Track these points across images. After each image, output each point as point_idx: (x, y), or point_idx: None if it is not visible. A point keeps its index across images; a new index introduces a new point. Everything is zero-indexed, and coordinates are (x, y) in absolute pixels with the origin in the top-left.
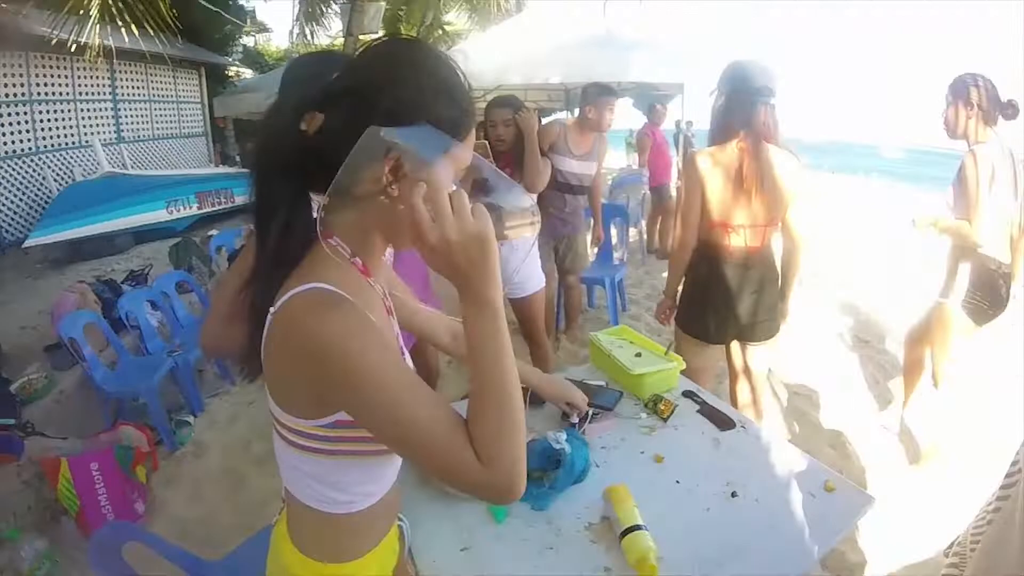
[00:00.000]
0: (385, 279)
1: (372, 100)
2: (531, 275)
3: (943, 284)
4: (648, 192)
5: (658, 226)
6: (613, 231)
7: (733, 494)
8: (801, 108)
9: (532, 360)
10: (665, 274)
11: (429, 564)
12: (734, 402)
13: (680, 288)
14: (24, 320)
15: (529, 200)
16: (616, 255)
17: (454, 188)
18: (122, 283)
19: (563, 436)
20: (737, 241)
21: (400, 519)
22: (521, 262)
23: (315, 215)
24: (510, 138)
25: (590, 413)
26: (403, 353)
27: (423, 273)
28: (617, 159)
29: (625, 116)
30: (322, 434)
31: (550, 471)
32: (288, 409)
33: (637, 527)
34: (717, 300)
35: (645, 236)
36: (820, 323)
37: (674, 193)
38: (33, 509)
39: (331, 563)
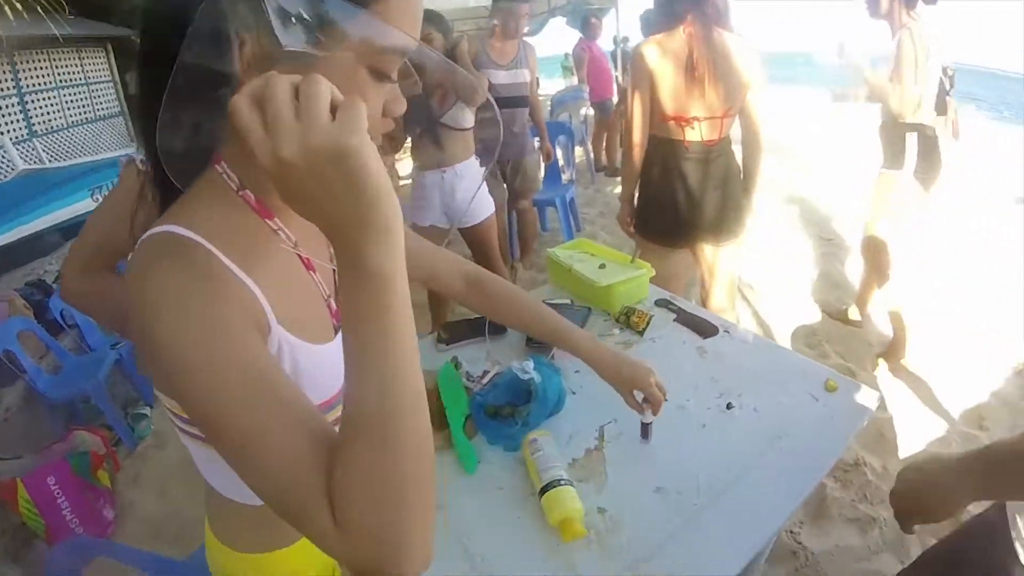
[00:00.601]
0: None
1: None
2: (479, 200)
3: (887, 156)
4: (590, 109)
5: (604, 143)
6: (559, 150)
7: (728, 406)
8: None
9: None
10: (617, 191)
11: None
12: (706, 308)
13: (636, 193)
14: None
15: (471, 117)
16: (564, 175)
17: (310, 76)
18: (53, 283)
19: (531, 364)
20: (693, 135)
21: None
22: (474, 191)
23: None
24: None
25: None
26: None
27: None
28: (556, 85)
29: (559, 38)
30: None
31: (520, 406)
32: (157, 384)
33: (558, 482)
34: (678, 201)
35: (592, 155)
36: (783, 225)
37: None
38: (1, 538)
39: (252, 553)
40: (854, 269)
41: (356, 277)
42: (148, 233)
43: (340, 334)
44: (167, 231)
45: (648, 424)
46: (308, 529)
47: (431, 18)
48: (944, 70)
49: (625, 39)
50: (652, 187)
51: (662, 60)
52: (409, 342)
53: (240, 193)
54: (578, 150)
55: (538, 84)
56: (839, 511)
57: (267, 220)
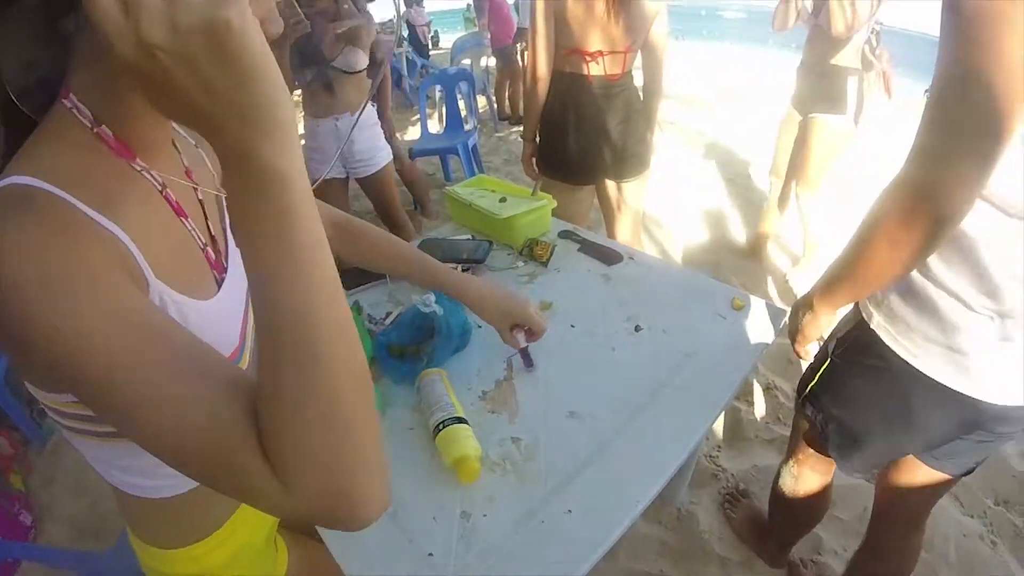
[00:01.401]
0: (200, 174)
1: None
2: (376, 147)
3: (825, 101)
4: (492, 58)
5: (507, 91)
6: (460, 99)
7: (637, 328)
8: None
9: None
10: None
11: None
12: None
13: (538, 130)
14: None
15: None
16: (467, 124)
17: None
18: None
19: (431, 298)
20: (596, 70)
21: None
22: (374, 137)
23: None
24: None
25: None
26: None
27: None
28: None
29: None
30: (74, 411)
31: (425, 342)
32: (30, 377)
33: (455, 419)
34: (581, 136)
35: (495, 103)
36: (685, 163)
37: (519, 57)
38: None
39: (177, 548)
40: (756, 204)
41: (245, 180)
42: None
43: (225, 286)
44: (10, 184)
45: (526, 349)
46: (248, 495)
47: None
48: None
49: None
50: (555, 124)
51: None
52: (320, 248)
53: (96, 130)
54: (480, 99)
55: (437, 36)
56: (755, 433)
57: (129, 161)
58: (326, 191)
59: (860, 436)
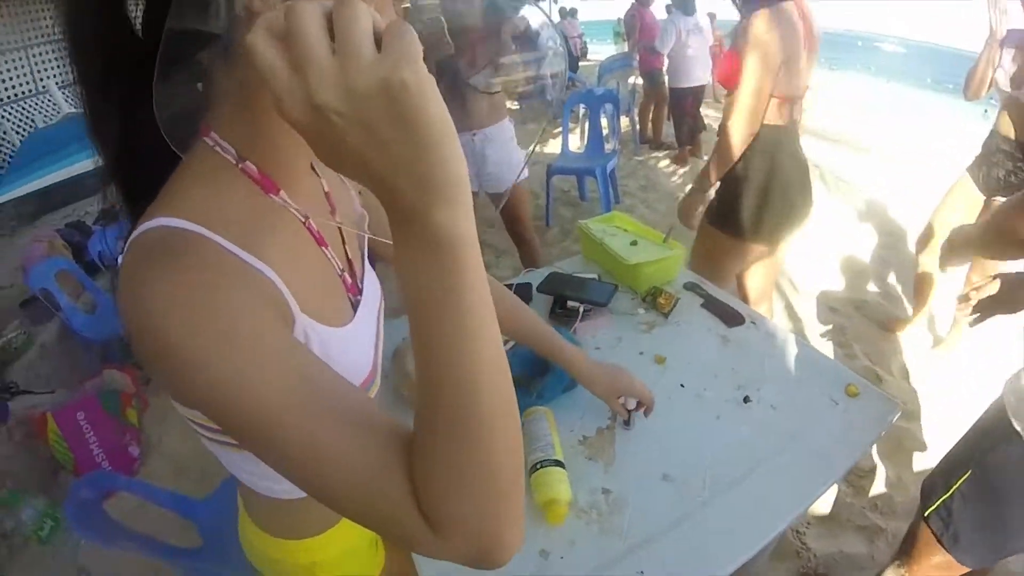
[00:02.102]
0: (339, 195)
1: None
2: (509, 163)
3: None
4: (638, 78)
5: (651, 114)
6: (603, 119)
7: (746, 399)
8: None
9: (520, 261)
10: (662, 164)
11: None
12: (744, 297)
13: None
14: (1, 280)
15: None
16: (607, 145)
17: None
18: (93, 224)
19: None
20: (797, 115)
21: None
22: (509, 153)
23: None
24: None
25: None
26: (357, 294)
27: None
28: (606, 51)
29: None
30: (213, 426)
31: (537, 377)
32: (175, 398)
33: (553, 462)
34: (787, 193)
35: (638, 126)
36: (835, 215)
37: (667, 79)
38: (31, 469)
39: (288, 539)
40: (905, 269)
41: (418, 242)
42: (137, 231)
43: (360, 310)
44: (157, 225)
45: (632, 411)
46: (399, 539)
47: None
48: None
49: (712, 15)
50: (748, 178)
51: (790, 31)
52: (488, 315)
53: (240, 166)
54: (623, 120)
55: (586, 48)
56: (848, 517)
57: (273, 195)
58: None
59: (998, 534)
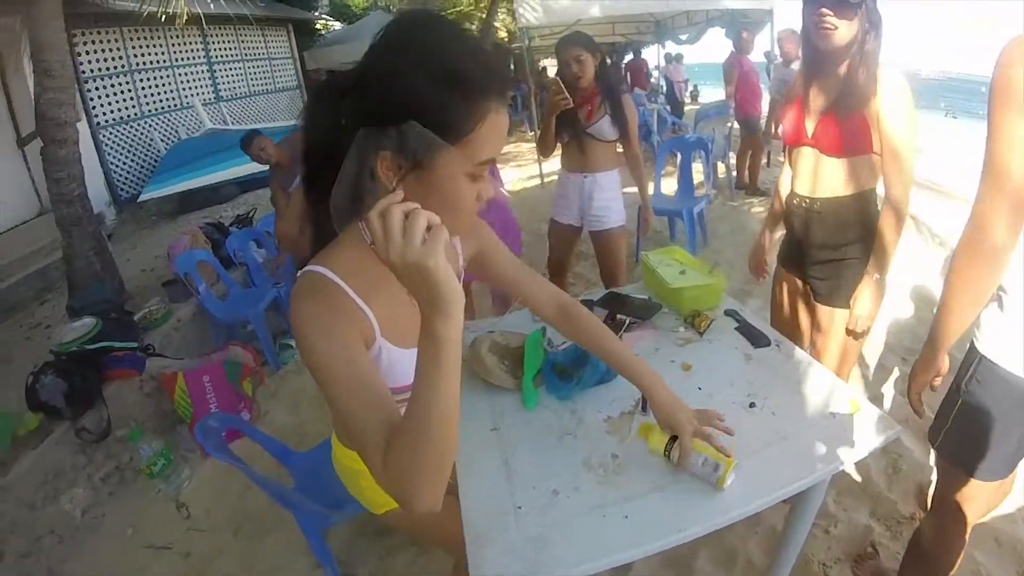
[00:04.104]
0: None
1: (367, 93)
2: (610, 208)
3: None
4: (735, 124)
5: (747, 161)
6: (696, 165)
7: (751, 404)
8: (908, 36)
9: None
10: (755, 210)
11: (461, 439)
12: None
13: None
14: (144, 263)
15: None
16: (699, 191)
17: (414, 207)
18: (229, 226)
19: None
20: None
21: None
22: (613, 200)
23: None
24: (588, 74)
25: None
26: None
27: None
28: (716, 93)
29: (719, 47)
30: None
31: (578, 369)
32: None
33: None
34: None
35: (735, 171)
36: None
37: (763, 126)
38: (153, 417)
39: (352, 450)
40: None
41: (426, 337)
42: (304, 270)
43: None
44: (315, 271)
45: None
46: (367, 464)
47: (582, 41)
48: None
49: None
50: None
51: None
52: (451, 385)
53: (371, 246)
54: (720, 166)
55: (697, 91)
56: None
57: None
58: (559, 231)
59: (1002, 445)
